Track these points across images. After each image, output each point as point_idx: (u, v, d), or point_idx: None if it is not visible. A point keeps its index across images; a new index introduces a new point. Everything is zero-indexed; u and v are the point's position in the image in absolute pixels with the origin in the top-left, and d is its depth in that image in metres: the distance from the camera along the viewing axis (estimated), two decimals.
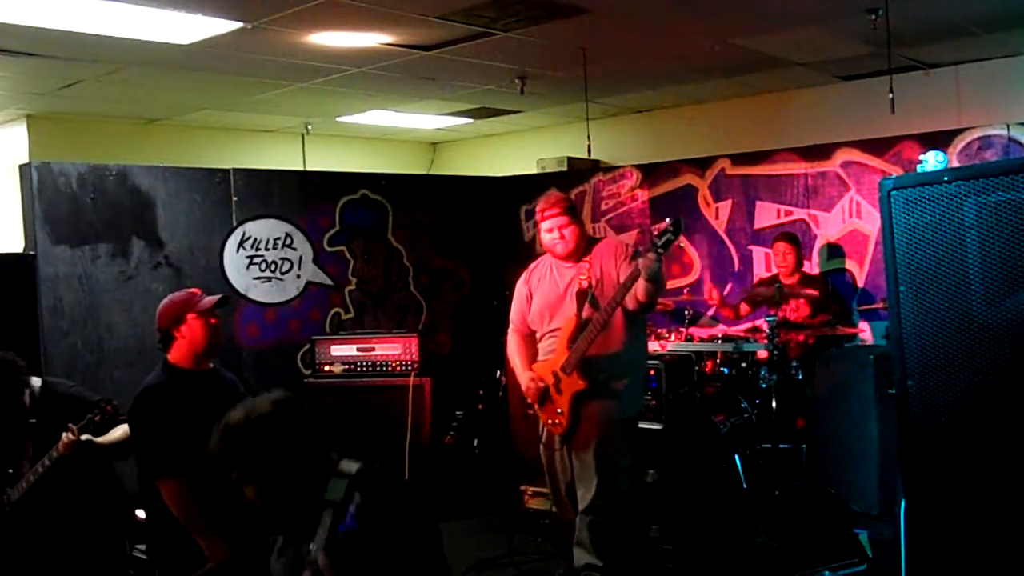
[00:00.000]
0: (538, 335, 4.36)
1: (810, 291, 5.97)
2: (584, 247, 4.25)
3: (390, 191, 7.07)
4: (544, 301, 4.31)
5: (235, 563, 3.42)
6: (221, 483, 3.48)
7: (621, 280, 4.05)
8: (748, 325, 6.53)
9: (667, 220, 3.85)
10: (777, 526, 4.89)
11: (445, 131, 9.27)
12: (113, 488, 3.88)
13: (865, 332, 6.30)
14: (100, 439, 3.62)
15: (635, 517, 4.82)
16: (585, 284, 4.16)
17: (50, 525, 3.63)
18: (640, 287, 3.94)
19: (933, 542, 2.84)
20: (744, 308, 6.41)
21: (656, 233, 3.90)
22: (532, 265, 4.49)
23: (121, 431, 3.67)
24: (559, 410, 4.20)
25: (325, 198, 6.76)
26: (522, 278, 4.48)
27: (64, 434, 3.49)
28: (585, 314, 4.12)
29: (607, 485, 4.09)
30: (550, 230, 4.21)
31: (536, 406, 4.29)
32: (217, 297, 3.67)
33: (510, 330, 4.50)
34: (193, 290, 3.73)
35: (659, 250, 3.79)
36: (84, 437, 3.49)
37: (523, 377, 4.35)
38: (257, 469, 2.23)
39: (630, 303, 4.03)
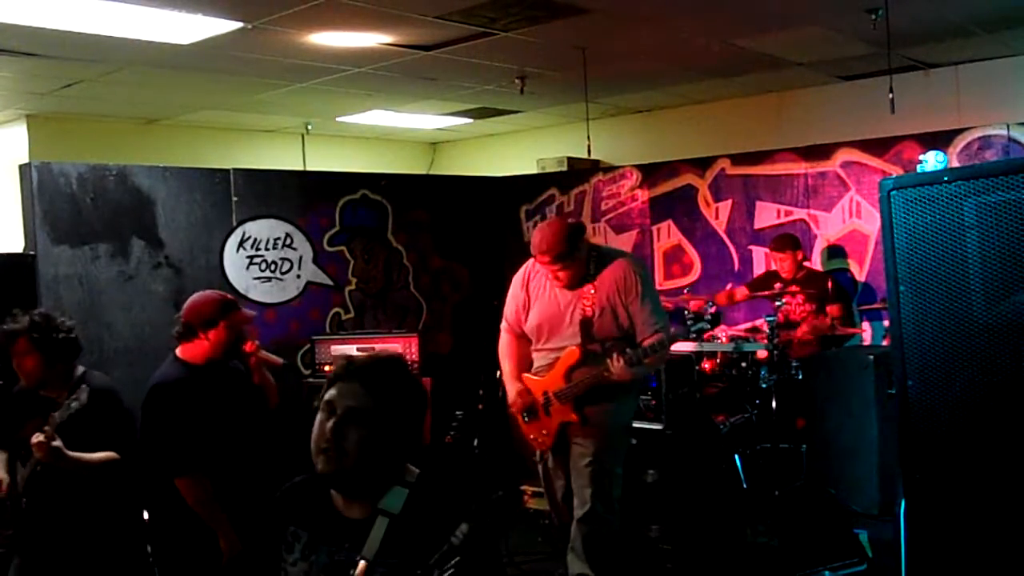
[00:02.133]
0: (533, 346, 4.34)
1: (807, 288, 5.99)
2: (585, 272, 4.12)
3: (390, 191, 7.07)
4: (543, 316, 4.23)
5: (247, 557, 3.40)
6: (237, 479, 3.48)
7: (632, 315, 4.06)
8: (748, 325, 6.53)
9: (710, 307, 3.93)
10: (777, 526, 4.88)
11: (445, 131, 9.27)
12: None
13: (865, 332, 6.30)
14: (74, 453, 3.30)
15: (634, 518, 4.82)
16: (589, 312, 4.10)
17: (59, 508, 3.46)
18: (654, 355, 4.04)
19: (933, 542, 2.84)
20: (741, 291, 6.37)
21: (693, 311, 3.94)
22: (528, 267, 4.34)
23: (104, 455, 3.41)
24: (545, 431, 4.22)
25: (325, 198, 6.76)
26: (519, 279, 4.36)
27: (36, 435, 3.20)
28: (590, 347, 4.09)
29: (602, 494, 4.08)
30: (546, 272, 4.16)
31: (521, 418, 4.30)
32: (253, 314, 3.71)
33: (503, 327, 4.45)
34: (227, 296, 3.68)
35: (691, 334, 3.86)
36: (55, 444, 3.20)
37: (511, 387, 4.33)
38: (379, 412, 1.97)
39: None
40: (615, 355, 3.95)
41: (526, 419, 4.28)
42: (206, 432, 3.44)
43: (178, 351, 3.55)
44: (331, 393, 2.00)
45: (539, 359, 4.29)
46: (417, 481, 2.04)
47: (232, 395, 3.62)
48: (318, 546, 2.04)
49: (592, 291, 4.10)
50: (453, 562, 1.80)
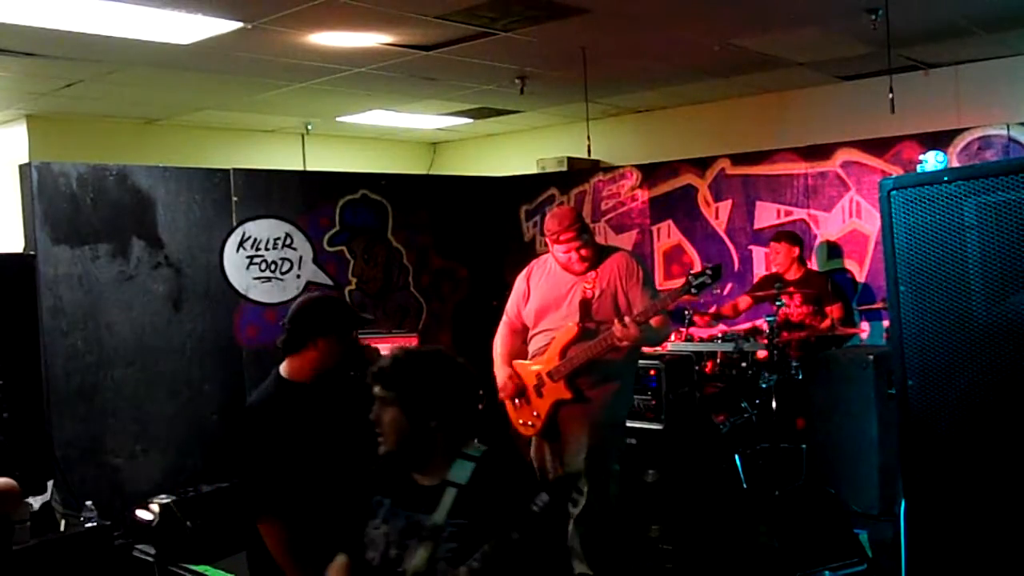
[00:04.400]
0: (530, 333, 4.36)
1: (807, 289, 6.00)
2: (596, 259, 4.22)
3: (390, 191, 7.07)
4: (542, 300, 4.30)
5: None
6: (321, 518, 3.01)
7: (632, 300, 4.08)
8: (748, 325, 6.53)
9: (710, 267, 3.95)
10: (777, 526, 4.88)
11: (445, 131, 9.27)
12: None
13: (865, 332, 6.30)
14: None
15: (631, 520, 4.82)
16: (589, 294, 4.14)
17: None
18: (659, 322, 4.04)
19: (933, 542, 2.83)
20: (744, 301, 6.39)
21: (694, 272, 3.96)
22: (534, 262, 4.47)
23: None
24: (535, 413, 4.20)
25: (325, 198, 6.75)
26: (523, 273, 4.46)
27: None
28: (587, 325, 4.11)
29: (598, 491, 4.08)
30: (567, 252, 4.16)
31: (511, 404, 4.30)
32: (369, 318, 3.35)
33: (502, 322, 4.49)
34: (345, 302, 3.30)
35: (692, 290, 3.87)
36: None
37: (500, 372, 4.35)
38: (423, 400, 2.33)
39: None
40: (615, 320, 3.95)
41: (516, 404, 4.28)
42: (297, 467, 2.92)
43: (282, 366, 3.05)
44: (373, 391, 2.40)
45: (536, 342, 4.31)
46: (483, 456, 2.37)
47: (342, 416, 3.04)
48: (397, 511, 2.38)
49: (594, 275, 4.16)
50: (533, 525, 2.08)
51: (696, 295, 3.91)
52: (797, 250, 6.23)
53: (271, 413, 2.96)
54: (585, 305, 4.14)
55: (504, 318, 4.49)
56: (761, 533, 4.91)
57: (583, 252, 4.14)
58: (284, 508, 2.92)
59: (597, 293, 4.14)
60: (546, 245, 4.35)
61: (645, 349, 4.66)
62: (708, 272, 3.93)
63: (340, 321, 3.04)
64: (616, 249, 4.35)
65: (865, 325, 6.34)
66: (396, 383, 2.34)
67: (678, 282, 7.06)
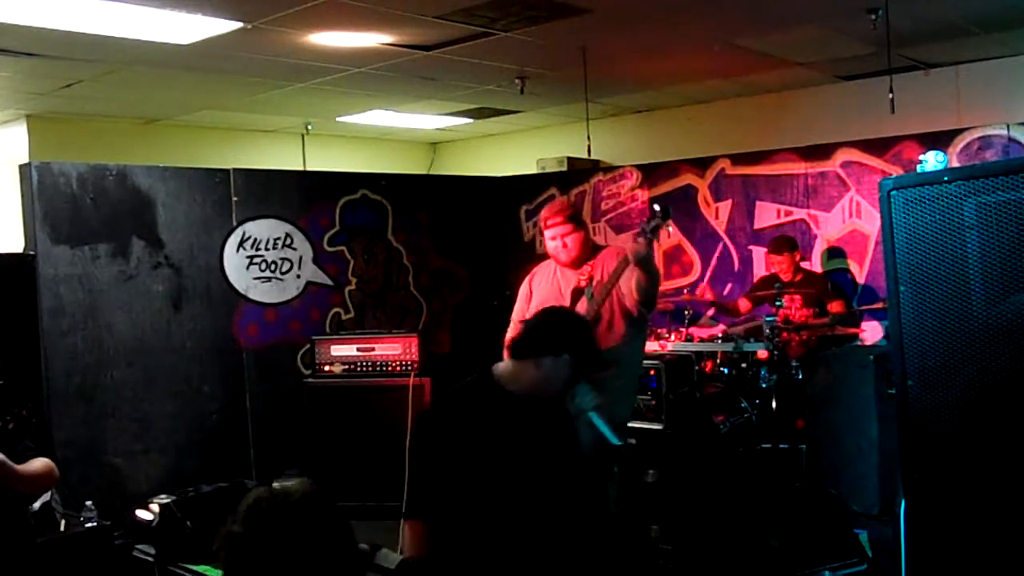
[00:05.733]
0: None
1: (807, 290, 5.99)
2: (589, 253, 4.24)
3: (390, 191, 7.07)
4: (542, 299, 4.32)
5: None
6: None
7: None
8: (748, 325, 6.53)
9: (656, 207, 3.81)
10: (777, 526, 4.88)
11: (445, 131, 9.27)
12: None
13: (865, 332, 6.30)
14: (20, 467, 2.71)
15: (631, 520, 4.82)
16: (583, 284, 4.19)
17: None
18: (633, 278, 3.91)
19: (933, 542, 2.84)
20: (744, 304, 6.40)
21: (644, 220, 3.88)
22: (537, 267, 4.51)
23: (40, 463, 2.77)
24: None
25: (325, 198, 6.75)
26: (527, 279, 4.51)
27: None
28: (578, 309, 4.13)
29: (597, 491, 4.08)
30: (553, 238, 4.20)
31: None
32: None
33: (510, 328, 4.52)
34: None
35: (648, 235, 3.76)
36: None
37: None
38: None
39: (627, 301, 4.04)
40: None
41: None
42: (471, 473, 2.67)
43: (499, 365, 2.83)
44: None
45: None
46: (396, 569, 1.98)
47: (539, 443, 2.82)
48: None
49: (588, 268, 4.20)
50: None
51: (653, 238, 3.79)
52: (798, 255, 6.23)
53: (470, 408, 2.79)
54: (577, 295, 4.18)
55: (511, 324, 4.52)
56: (761, 533, 4.90)
57: (570, 238, 4.16)
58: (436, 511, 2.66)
59: (591, 283, 4.17)
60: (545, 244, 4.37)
61: (646, 349, 4.66)
62: (658, 215, 3.79)
63: (575, 347, 2.80)
64: (607, 246, 4.42)
65: (866, 325, 6.34)
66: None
67: (678, 282, 7.14)
